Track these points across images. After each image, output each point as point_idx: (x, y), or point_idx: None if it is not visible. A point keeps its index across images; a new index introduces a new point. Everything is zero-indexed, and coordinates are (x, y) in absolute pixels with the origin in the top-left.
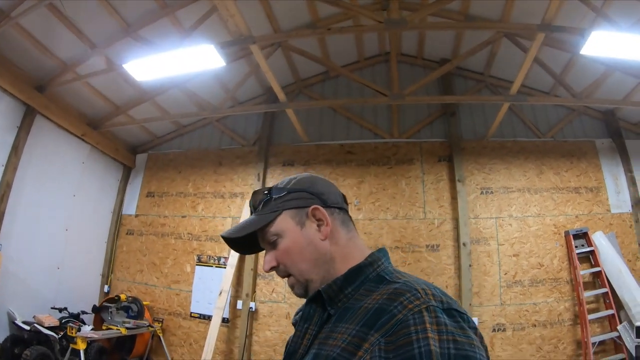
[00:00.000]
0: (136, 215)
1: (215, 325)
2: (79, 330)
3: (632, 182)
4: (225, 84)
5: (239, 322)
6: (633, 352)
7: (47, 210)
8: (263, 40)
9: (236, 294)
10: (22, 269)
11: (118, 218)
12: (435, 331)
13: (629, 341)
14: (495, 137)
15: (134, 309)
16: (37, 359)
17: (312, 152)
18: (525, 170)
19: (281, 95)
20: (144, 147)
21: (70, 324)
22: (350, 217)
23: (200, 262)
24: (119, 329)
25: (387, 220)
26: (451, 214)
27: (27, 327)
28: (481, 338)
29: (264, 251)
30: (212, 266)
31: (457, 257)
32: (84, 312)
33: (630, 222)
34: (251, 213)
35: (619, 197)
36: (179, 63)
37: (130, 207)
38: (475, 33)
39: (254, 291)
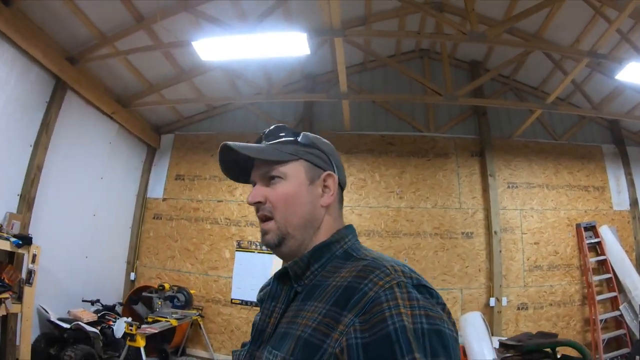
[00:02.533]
0: (164, 199)
1: None
2: (131, 324)
3: (631, 183)
4: (266, 68)
5: None
6: (636, 330)
7: (76, 195)
8: (352, 34)
9: None
10: (51, 260)
11: (143, 201)
12: (408, 306)
13: (630, 319)
14: (519, 137)
15: (180, 298)
16: None
17: (354, 141)
18: (544, 169)
19: (344, 87)
20: (169, 127)
21: (107, 317)
22: (343, 201)
23: (240, 247)
24: (168, 321)
25: (427, 208)
26: (483, 205)
27: (66, 325)
28: (449, 314)
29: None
30: (253, 252)
31: (489, 244)
32: (120, 304)
33: (628, 218)
34: (260, 140)
35: (619, 196)
36: (255, 47)
37: (156, 190)
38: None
39: None
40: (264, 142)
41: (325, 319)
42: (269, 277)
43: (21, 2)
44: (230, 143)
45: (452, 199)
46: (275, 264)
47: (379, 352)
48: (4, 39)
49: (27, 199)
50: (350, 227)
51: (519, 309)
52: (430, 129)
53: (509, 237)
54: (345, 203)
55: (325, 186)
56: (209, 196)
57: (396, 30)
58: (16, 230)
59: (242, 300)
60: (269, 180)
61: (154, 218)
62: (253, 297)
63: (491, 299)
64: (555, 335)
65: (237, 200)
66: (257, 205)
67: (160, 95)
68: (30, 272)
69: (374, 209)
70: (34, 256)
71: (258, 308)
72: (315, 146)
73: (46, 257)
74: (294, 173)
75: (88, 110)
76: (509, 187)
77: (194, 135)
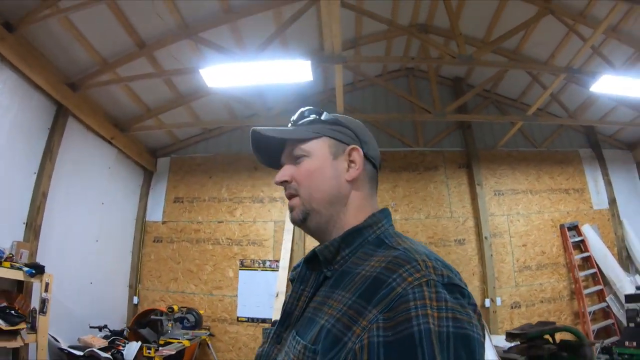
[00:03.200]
0: (163, 222)
1: None
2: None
3: (608, 183)
4: (261, 90)
5: None
6: (623, 319)
7: (79, 221)
8: (353, 60)
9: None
10: (58, 287)
11: (143, 225)
12: (435, 308)
13: (616, 309)
14: (502, 147)
15: (190, 319)
16: None
17: None
18: (527, 175)
19: (340, 108)
20: (165, 150)
21: (117, 342)
22: (377, 181)
23: (243, 266)
24: (180, 342)
25: (421, 219)
26: (472, 213)
27: (79, 353)
28: (479, 316)
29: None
30: (257, 270)
31: (480, 249)
32: (128, 328)
33: (608, 216)
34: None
35: (598, 197)
36: (259, 74)
37: (155, 214)
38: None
39: None
40: (289, 126)
41: (350, 311)
42: (301, 263)
43: (24, 28)
44: (257, 127)
45: (444, 209)
46: (280, 280)
47: (400, 353)
48: (7, 65)
49: (33, 227)
50: (385, 211)
51: (512, 307)
52: (419, 144)
53: (498, 241)
54: None
55: (351, 161)
56: (209, 217)
57: (398, 56)
58: (25, 259)
59: (248, 318)
60: (295, 159)
61: (154, 241)
62: (259, 314)
63: (486, 300)
64: (553, 323)
65: (237, 220)
66: (284, 184)
67: (158, 120)
68: (43, 301)
69: None
70: (47, 285)
71: (265, 324)
72: (340, 123)
73: (54, 284)
74: (318, 149)
75: (88, 136)
76: (495, 194)
77: (190, 158)
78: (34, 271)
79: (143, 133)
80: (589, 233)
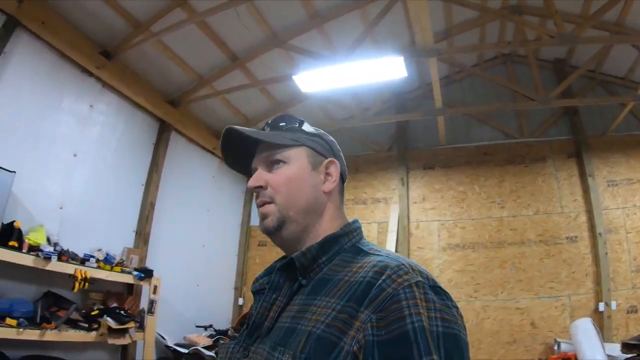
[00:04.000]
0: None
1: None
2: None
3: None
4: (356, 91)
5: None
6: None
7: (185, 228)
8: (445, 52)
9: None
10: (166, 290)
11: (247, 230)
12: (425, 307)
13: None
14: (613, 132)
15: None
16: None
17: (450, 155)
18: None
19: (439, 103)
20: None
21: (221, 341)
22: (344, 194)
23: None
24: None
25: (530, 216)
26: (584, 207)
27: (184, 350)
28: (461, 317)
29: None
30: None
31: (594, 247)
32: (233, 328)
33: None
34: (263, 128)
35: None
36: (352, 75)
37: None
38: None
39: None
40: (267, 130)
41: (341, 315)
42: (264, 274)
43: (122, 55)
44: (235, 126)
45: (554, 204)
46: None
47: (395, 350)
48: (109, 89)
49: (142, 235)
50: (357, 222)
51: (628, 312)
52: (524, 135)
53: (613, 237)
54: (447, 217)
55: (327, 173)
56: None
57: (493, 42)
58: (135, 263)
59: None
60: (271, 165)
61: (259, 245)
62: None
63: (600, 303)
64: None
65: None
66: (258, 190)
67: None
68: (151, 302)
69: (476, 220)
70: (155, 287)
71: None
72: (318, 135)
73: (162, 287)
74: (297, 157)
75: (191, 148)
76: (609, 185)
77: None
78: (143, 275)
79: None
80: None
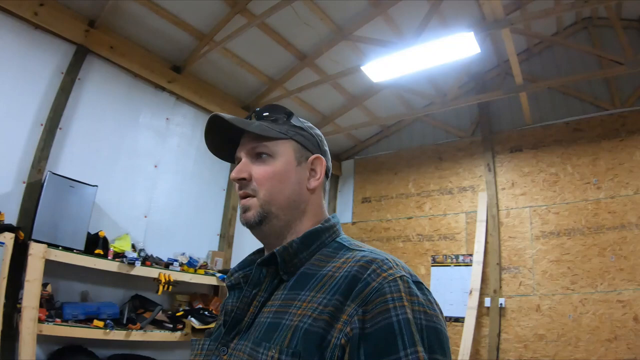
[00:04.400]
0: (353, 223)
1: (469, 326)
2: None
3: None
4: (432, 77)
5: (485, 321)
6: None
7: None
8: (517, 21)
9: (481, 291)
10: None
11: None
12: (409, 301)
13: None
14: None
15: None
16: None
17: (539, 135)
18: None
19: (519, 79)
20: (347, 153)
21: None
22: (326, 190)
23: (435, 262)
24: None
25: (629, 196)
26: None
27: None
28: (441, 312)
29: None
30: (449, 265)
31: None
32: None
33: None
34: (249, 118)
35: None
36: (423, 57)
37: (345, 215)
38: None
39: (500, 287)
40: (254, 119)
41: (327, 309)
42: (238, 268)
43: (191, 67)
44: (220, 114)
45: None
46: (474, 276)
47: (380, 343)
48: (183, 101)
49: (226, 237)
50: (336, 217)
51: None
52: (616, 105)
53: None
54: (539, 202)
55: (312, 169)
56: (398, 214)
57: (569, 2)
58: (219, 266)
59: None
60: (256, 157)
61: None
62: (452, 312)
63: None
64: None
65: (427, 214)
66: (241, 182)
67: (335, 125)
68: None
69: (571, 204)
70: None
71: (458, 323)
72: (306, 129)
73: None
74: (283, 151)
75: None
76: None
77: (373, 157)
78: (226, 276)
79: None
80: None
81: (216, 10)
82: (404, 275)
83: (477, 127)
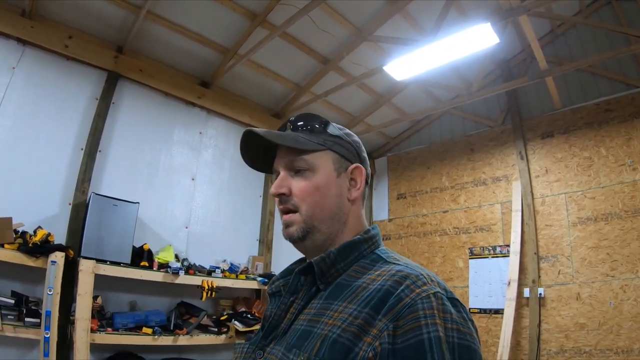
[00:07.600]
0: (390, 220)
1: (509, 318)
2: None
3: None
4: (457, 68)
5: (525, 312)
6: None
7: None
8: (533, 5)
9: (519, 282)
10: None
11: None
12: (442, 318)
13: None
14: None
15: None
16: None
17: (569, 118)
18: None
19: (543, 63)
20: (380, 151)
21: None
22: (366, 197)
23: (473, 254)
24: None
25: None
26: None
27: None
28: (476, 330)
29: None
30: (487, 257)
31: None
32: None
33: None
34: (283, 128)
35: None
36: (444, 52)
37: (381, 213)
38: None
39: (538, 276)
40: (289, 130)
41: (357, 321)
42: (282, 276)
43: (219, 81)
44: (254, 129)
45: None
46: (512, 267)
47: (409, 359)
48: (213, 114)
49: (265, 242)
50: (376, 228)
51: None
52: None
53: None
54: (574, 188)
55: (352, 179)
56: (434, 209)
57: None
58: (260, 270)
59: (480, 309)
60: (295, 170)
61: (383, 239)
62: (492, 304)
63: None
64: None
65: (462, 207)
66: (281, 197)
67: (365, 124)
68: None
69: (606, 188)
70: None
71: (498, 315)
72: (344, 137)
73: None
74: (322, 164)
75: None
76: None
77: (405, 153)
78: (266, 280)
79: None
80: None
81: (237, 25)
82: (438, 292)
83: (507, 115)
